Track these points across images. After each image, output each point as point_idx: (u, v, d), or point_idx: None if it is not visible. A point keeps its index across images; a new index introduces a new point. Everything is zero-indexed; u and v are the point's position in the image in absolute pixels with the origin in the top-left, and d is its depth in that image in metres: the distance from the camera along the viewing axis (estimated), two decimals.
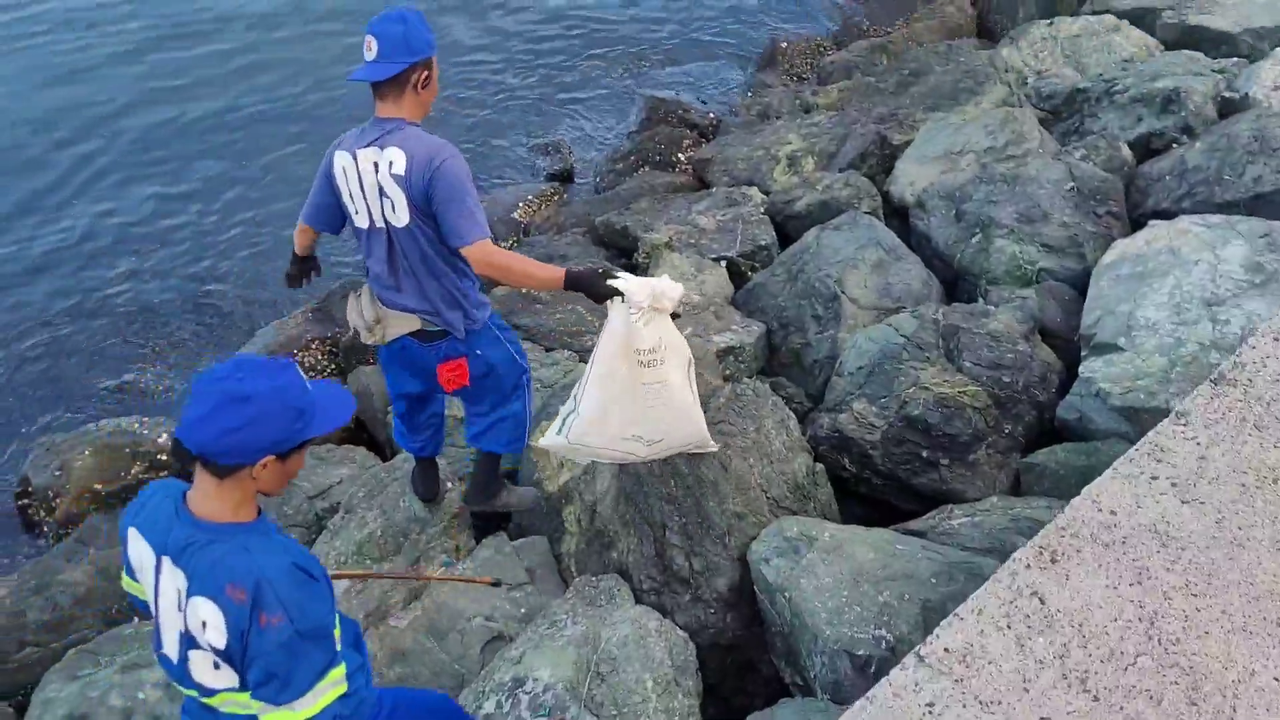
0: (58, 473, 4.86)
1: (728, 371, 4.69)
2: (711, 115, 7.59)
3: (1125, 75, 6.11)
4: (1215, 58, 6.39)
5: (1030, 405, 4.25)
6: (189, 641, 2.09)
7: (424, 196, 2.96)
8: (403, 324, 3.23)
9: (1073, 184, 5.17)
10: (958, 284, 5.18)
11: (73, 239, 6.74)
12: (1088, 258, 4.85)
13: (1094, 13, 7.28)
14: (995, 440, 4.18)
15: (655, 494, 3.73)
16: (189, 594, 2.04)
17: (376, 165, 2.99)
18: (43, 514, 4.88)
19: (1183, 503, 2.41)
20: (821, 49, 8.26)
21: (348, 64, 7.04)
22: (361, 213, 3.10)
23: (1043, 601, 2.18)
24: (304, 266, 3.64)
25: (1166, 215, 4.90)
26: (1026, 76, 6.75)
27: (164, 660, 2.19)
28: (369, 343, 3.35)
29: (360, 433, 5.17)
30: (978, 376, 4.24)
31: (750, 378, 4.51)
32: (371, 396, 5.01)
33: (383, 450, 4.92)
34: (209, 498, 2.05)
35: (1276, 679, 2.14)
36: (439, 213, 2.97)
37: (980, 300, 4.87)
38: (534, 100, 8.10)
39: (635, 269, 5.80)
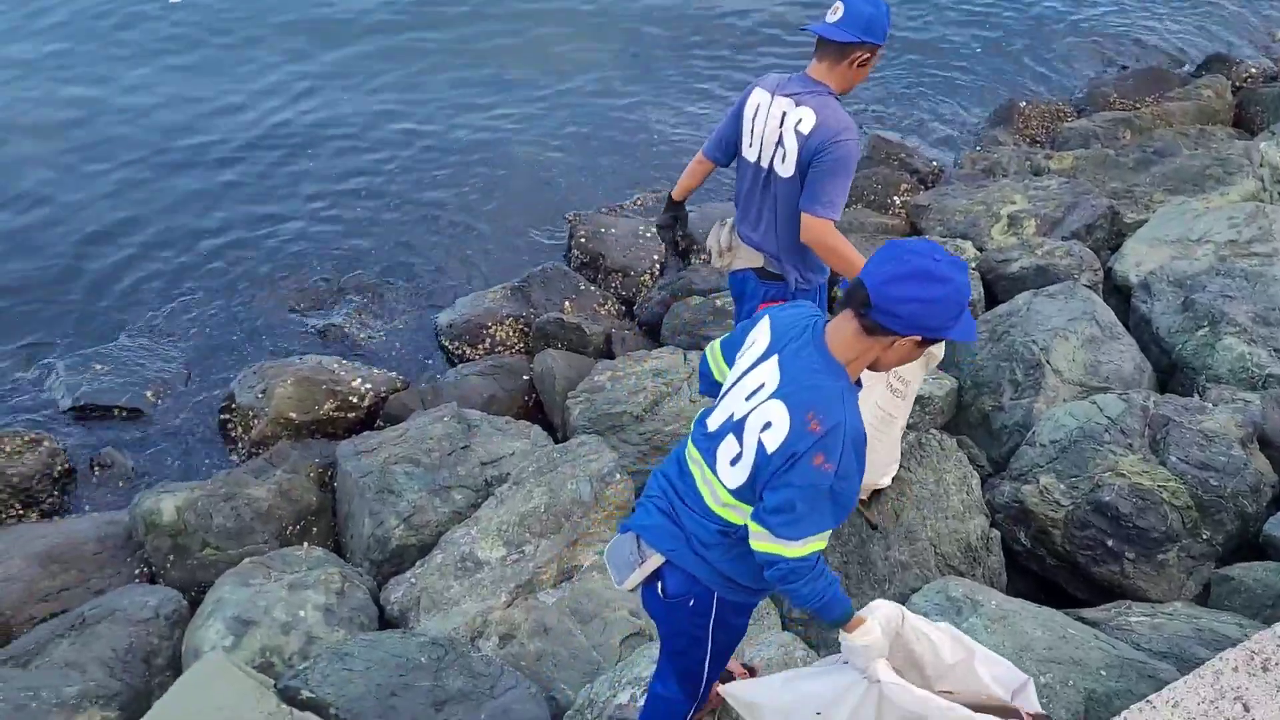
0: (260, 394, 5.19)
1: (913, 419, 4.57)
2: (935, 163, 7.42)
3: None
4: None
5: (1235, 515, 3.97)
6: (735, 427, 2.27)
7: (813, 156, 3.26)
8: (749, 258, 3.61)
9: None
10: (1173, 375, 4.89)
11: (305, 190, 7.17)
12: None
13: None
14: (1190, 544, 3.92)
15: None
16: (773, 395, 2.21)
17: (784, 115, 3.31)
18: (240, 430, 5.22)
19: None
20: (1062, 114, 7.96)
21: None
22: (754, 149, 3.44)
23: (1247, 709, 2.00)
24: (677, 213, 3.88)
25: None
26: None
27: (703, 431, 2.38)
28: (717, 266, 3.78)
29: (538, 412, 5.30)
30: (1182, 474, 3.99)
31: (936, 430, 4.38)
32: (554, 378, 5.14)
33: (556, 432, 5.03)
34: (845, 343, 2.20)
35: None
36: (812, 177, 3.27)
37: (1197, 396, 4.58)
38: None
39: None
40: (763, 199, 3.47)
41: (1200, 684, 2.12)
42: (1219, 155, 6.52)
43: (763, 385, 2.25)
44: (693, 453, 2.41)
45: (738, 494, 2.27)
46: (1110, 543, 3.87)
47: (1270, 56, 8.75)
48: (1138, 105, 7.81)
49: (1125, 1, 10.00)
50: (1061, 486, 4.02)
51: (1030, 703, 2.39)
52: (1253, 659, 2.13)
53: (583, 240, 6.43)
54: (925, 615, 3.25)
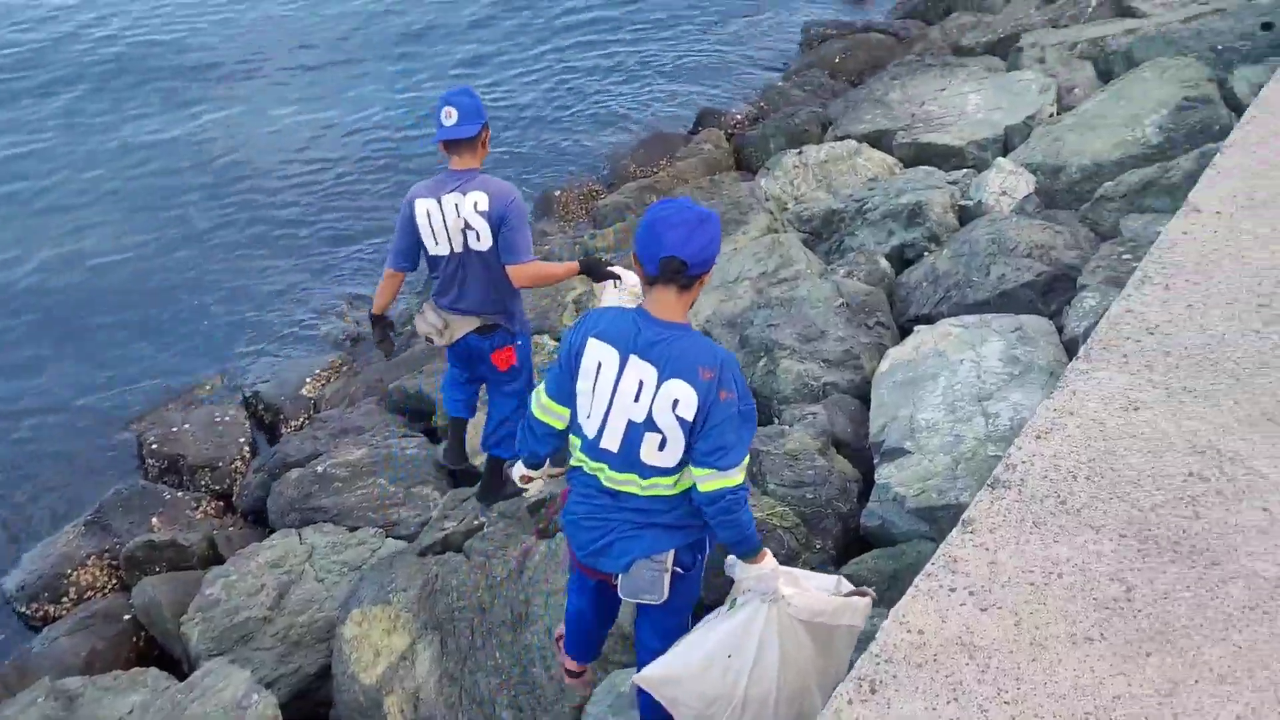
0: None
1: (541, 524, 4.61)
2: None
3: (873, 194, 6.60)
4: (947, 170, 7.00)
5: (836, 518, 4.36)
6: (647, 425, 2.65)
7: (500, 224, 3.95)
8: (465, 325, 4.20)
9: (842, 300, 5.47)
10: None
11: None
12: (866, 368, 5.10)
13: (836, 139, 7.87)
14: (808, 557, 4.25)
15: (480, 668, 3.57)
16: (661, 379, 2.62)
17: (459, 206, 3.95)
18: None
19: (981, 610, 2.48)
20: (595, 194, 8.54)
21: None
22: (442, 244, 4.05)
23: None
24: (386, 326, 4.45)
25: (929, 320, 5.23)
26: (786, 203, 7.18)
27: (602, 455, 2.76)
28: (439, 344, 4.31)
29: (153, 651, 4.74)
30: (783, 497, 4.32)
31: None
32: (160, 607, 4.62)
33: (178, 666, 4.51)
34: (670, 307, 2.66)
35: None
36: (505, 238, 3.96)
37: (775, 421, 5.01)
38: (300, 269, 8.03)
39: (434, 432, 5.69)
40: (466, 275, 4.11)
41: None
42: (731, 199, 7.29)
43: (642, 381, 2.65)
44: (602, 471, 2.78)
45: (664, 473, 2.71)
46: None
47: (749, 101, 9.98)
48: (655, 170, 8.56)
49: (615, 80, 10.98)
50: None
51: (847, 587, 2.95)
52: (861, 686, 2.32)
53: (154, 447, 5.89)
54: None
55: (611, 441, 2.72)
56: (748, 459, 2.72)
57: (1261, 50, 6.73)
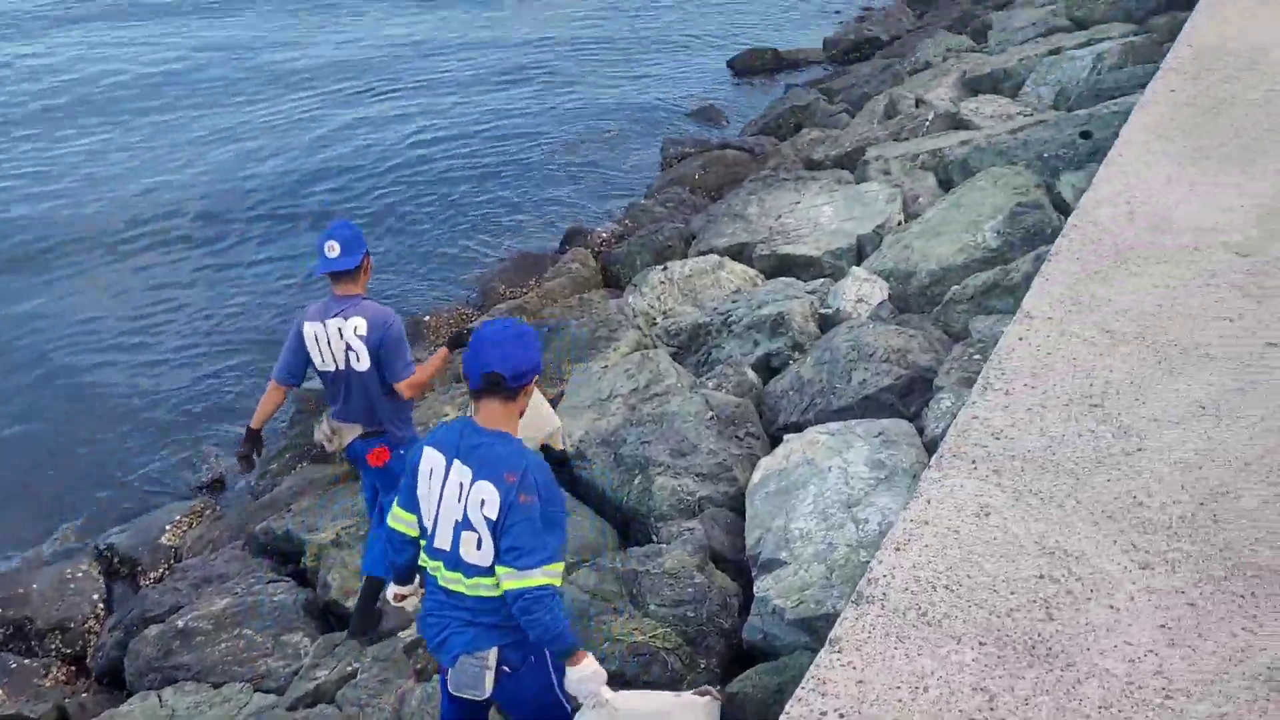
0: None
1: (418, 665, 4.47)
2: None
3: (737, 306, 6.78)
4: (806, 280, 7.26)
5: (719, 635, 4.34)
6: (464, 524, 2.89)
7: (378, 347, 4.44)
8: (351, 432, 4.65)
9: (712, 413, 5.55)
10: (630, 526, 5.32)
11: None
12: (739, 480, 5.16)
13: (700, 253, 8.11)
14: (694, 678, 4.21)
15: None
16: (473, 481, 2.87)
17: (341, 330, 4.43)
18: None
19: None
20: (465, 316, 8.55)
21: None
22: (329, 363, 4.52)
23: None
24: (256, 442, 4.79)
25: (798, 428, 5.35)
26: (654, 318, 7.31)
27: (437, 553, 3.01)
28: (330, 450, 4.78)
29: None
30: (664, 618, 4.29)
31: None
32: None
33: None
34: (495, 416, 2.97)
35: None
36: (386, 358, 4.46)
37: (653, 538, 5.01)
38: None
39: (304, 574, 5.49)
40: (350, 390, 4.58)
41: None
42: (601, 317, 7.38)
43: (462, 483, 2.92)
44: (439, 570, 3.02)
45: (484, 572, 2.91)
46: None
47: (614, 219, 10.22)
48: (524, 291, 8.64)
49: (483, 199, 11.14)
50: None
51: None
52: None
53: None
54: None
55: (443, 541, 2.99)
56: (560, 565, 2.92)
57: (1082, 157, 7.25)
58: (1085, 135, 7.47)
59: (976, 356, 5.13)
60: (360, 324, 4.41)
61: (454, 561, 2.95)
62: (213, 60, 15.57)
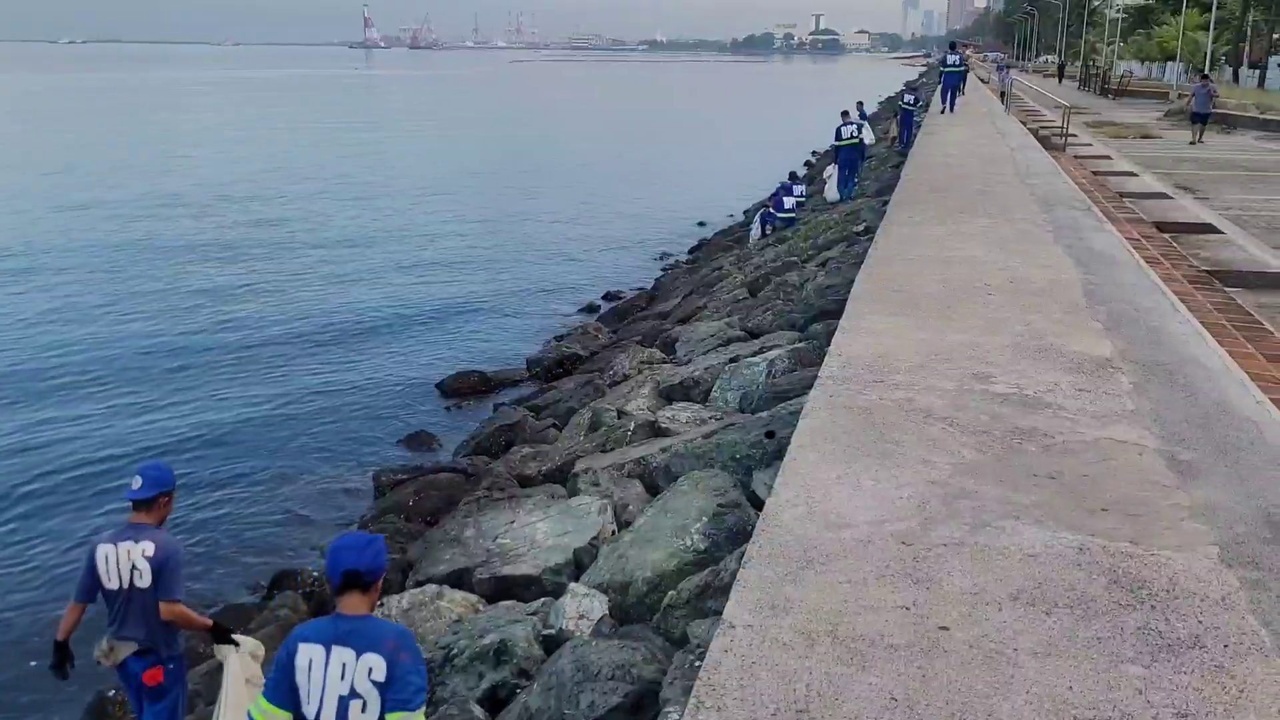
0: None
1: None
2: None
3: (458, 638, 6.53)
4: (529, 600, 7.18)
5: None
6: (350, 695, 3.63)
7: (159, 568, 5.12)
8: (126, 648, 5.25)
9: None
10: None
11: None
12: None
13: (417, 584, 7.86)
14: None
15: None
16: (359, 656, 3.64)
17: (129, 552, 5.13)
18: None
19: None
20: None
21: None
22: (114, 581, 5.15)
23: None
24: (64, 653, 5.38)
25: None
26: None
27: None
28: (105, 664, 5.34)
29: None
30: None
31: None
32: None
33: None
34: (360, 604, 3.76)
35: None
36: (164, 581, 5.13)
37: None
38: None
39: None
40: (129, 608, 5.22)
41: None
42: None
43: (345, 663, 3.63)
44: None
45: None
46: None
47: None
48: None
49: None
50: None
51: None
52: None
53: None
54: None
55: (328, 717, 3.62)
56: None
57: (770, 456, 7.85)
58: (770, 435, 8.14)
59: (698, 664, 5.18)
60: (149, 547, 5.18)
61: None
62: None
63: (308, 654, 3.66)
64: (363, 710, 3.59)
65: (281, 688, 3.70)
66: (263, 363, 16.62)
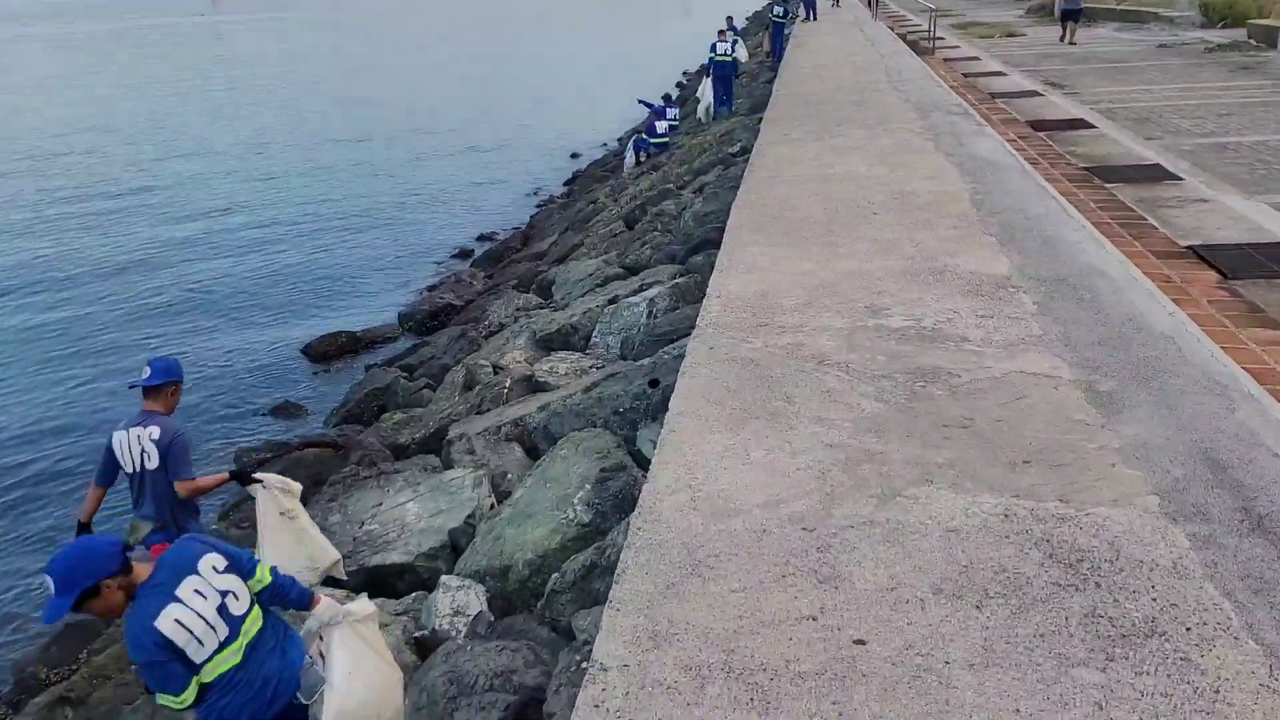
0: None
1: None
2: None
3: None
4: (402, 593, 6.46)
5: None
6: (225, 596, 3.79)
7: (165, 450, 5.59)
8: (146, 526, 5.76)
9: None
10: None
11: None
12: None
13: None
14: None
15: None
16: (202, 570, 3.79)
17: (139, 437, 5.60)
18: None
19: None
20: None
21: None
22: (129, 464, 5.66)
23: None
24: (87, 534, 5.67)
25: None
26: None
27: (224, 647, 3.72)
28: (131, 542, 5.66)
29: None
30: None
31: None
32: None
33: None
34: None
35: None
36: (170, 461, 5.59)
37: None
38: None
39: None
40: (144, 489, 5.67)
41: None
42: None
43: (198, 588, 3.77)
44: (235, 657, 3.76)
45: (250, 608, 3.90)
46: None
47: None
48: (72, 670, 7.01)
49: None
50: None
51: None
52: None
53: None
54: None
55: (221, 633, 3.74)
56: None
57: (656, 408, 7.21)
58: (654, 384, 7.49)
59: (585, 665, 4.56)
60: (155, 431, 5.56)
61: (235, 632, 3.73)
62: None
63: (181, 615, 3.67)
64: (236, 599, 3.81)
65: (183, 664, 3.68)
66: (104, 342, 15.23)
